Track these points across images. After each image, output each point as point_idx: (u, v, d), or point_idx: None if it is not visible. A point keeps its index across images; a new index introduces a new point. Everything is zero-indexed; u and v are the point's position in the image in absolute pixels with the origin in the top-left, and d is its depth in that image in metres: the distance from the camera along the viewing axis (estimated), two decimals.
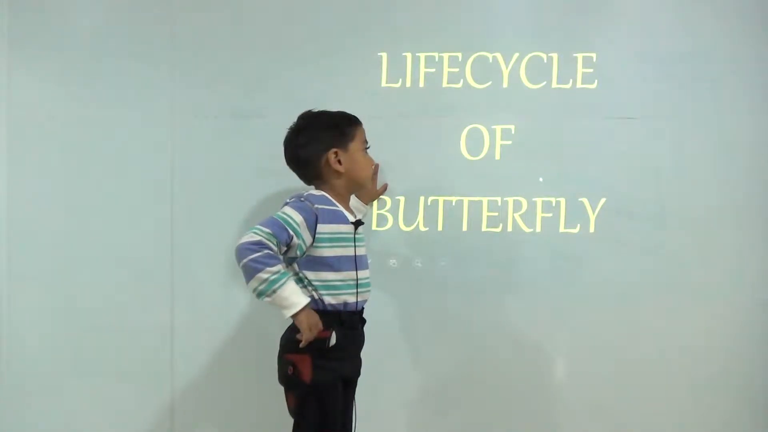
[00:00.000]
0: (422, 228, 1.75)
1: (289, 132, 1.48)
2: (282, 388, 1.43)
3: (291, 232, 1.34)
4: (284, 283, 1.32)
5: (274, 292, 1.31)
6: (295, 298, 1.34)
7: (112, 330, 1.80)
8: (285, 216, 1.35)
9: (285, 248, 1.35)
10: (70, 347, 1.81)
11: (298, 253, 1.37)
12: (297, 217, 1.36)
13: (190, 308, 1.80)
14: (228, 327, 1.79)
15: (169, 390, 1.81)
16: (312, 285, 1.39)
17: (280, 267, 1.32)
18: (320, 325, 1.36)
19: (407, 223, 1.75)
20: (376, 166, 1.66)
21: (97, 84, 1.79)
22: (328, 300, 1.40)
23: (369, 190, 1.66)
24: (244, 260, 1.31)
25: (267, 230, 1.32)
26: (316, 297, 1.39)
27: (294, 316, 1.34)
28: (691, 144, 1.72)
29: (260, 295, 1.33)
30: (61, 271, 1.81)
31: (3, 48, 1.79)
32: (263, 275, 1.30)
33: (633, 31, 1.72)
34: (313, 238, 1.38)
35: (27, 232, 1.81)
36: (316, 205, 1.39)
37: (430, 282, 1.76)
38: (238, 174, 1.77)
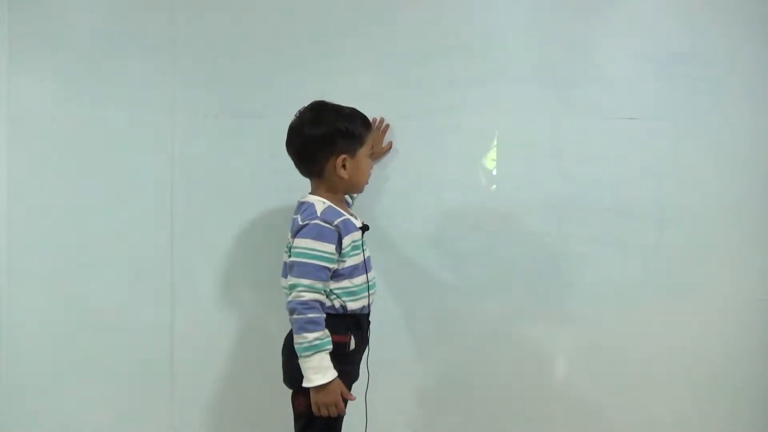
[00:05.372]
0: (422, 228, 1.75)
1: (298, 120, 1.43)
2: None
3: (329, 265, 1.36)
4: (315, 353, 1.32)
5: (308, 357, 1.32)
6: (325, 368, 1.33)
7: (112, 330, 1.80)
8: (316, 253, 1.34)
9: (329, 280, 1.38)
10: (70, 347, 1.81)
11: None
12: (328, 248, 1.35)
13: (190, 308, 1.80)
14: (228, 327, 1.80)
15: (169, 390, 1.81)
16: (334, 293, 1.40)
17: (318, 334, 1.32)
18: (341, 405, 1.36)
19: (407, 222, 1.75)
20: (387, 126, 1.71)
21: (97, 84, 1.79)
22: (351, 306, 1.41)
23: (375, 150, 1.67)
24: (292, 316, 1.34)
25: (305, 282, 1.33)
26: (338, 305, 1.40)
27: (319, 388, 1.32)
28: (691, 144, 1.72)
29: (299, 351, 1.33)
30: (61, 271, 1.81)
31: (3, 48, 1.79)
32: (307, 335, 1.31)
33: (633, 31, 1.72)
34: (339, 254, 1.38)
35: (27, 232, 1.81)
36: (335, 222, 1.37)
37: (430, 282, 1.76)
38: (238, 174, 1.77)
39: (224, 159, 1.78)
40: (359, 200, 1.67)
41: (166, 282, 1.80)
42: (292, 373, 1.39)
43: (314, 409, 1.34)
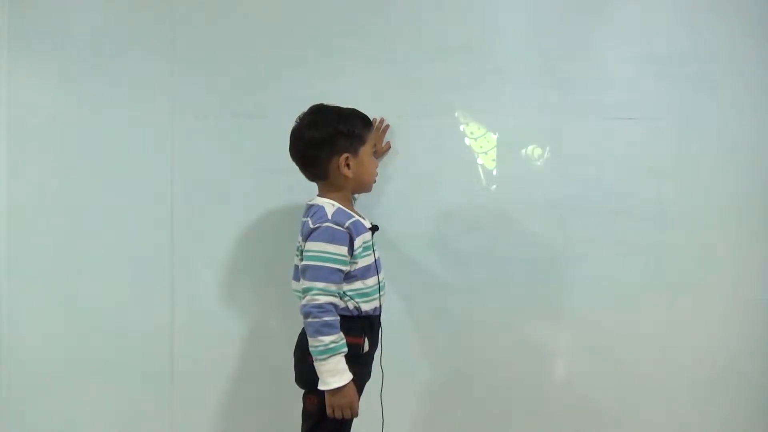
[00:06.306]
0: (422, 228, 1.75)
1: (298, 124, 1.44)
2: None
3: (343, 268, 1.36)
4: (331, 356, 1.32)
5: (324, 361, 1.31)
6: (340, 372, 1.33)
7: (112, 330, 1.80)
8: (329, 256, 1.35)
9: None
10: (70, 347, 1.81)
11: None
12: (341, 250, 1.36)
13: (190, 308, 1.80)
14: (228, 327, 1.79)
15: (169, 390, 1.81)
16: (348, 295, 1.40)
17: (334, 337, 1.32)
18: (356, 408, 1.36)
19: (407, 222, 1.75)
20: (387, 126, 1.70)
21: (97, 84, 1.78)
22: (364, 307, 1.41)
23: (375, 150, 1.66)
24: (307, 320, 1.33)
25: (320, 285, 1.33)
26: (352, 307, 1.40)
27: (335, 390, 1.32)
28: (691, 144, 1.72)
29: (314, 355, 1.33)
30: (61, 271, 1.80)
31: (3, 48, 1.79)
32: (323, 339, 1.31)
33: (633, 31, 1.72)
34: (351, 256, 1.39)
35: (27, 232, 1.81)
36: (346, 224, 1.38)
37: (430, 282, 1.76)
38: (238, 174, 1.77)
39: (224, 159, 1.77)
40: (360, 201, 1.67)
41: (166, 282, 1.80)
42: (305, 374, 1.39)
43: (329, 411, 1.34)
